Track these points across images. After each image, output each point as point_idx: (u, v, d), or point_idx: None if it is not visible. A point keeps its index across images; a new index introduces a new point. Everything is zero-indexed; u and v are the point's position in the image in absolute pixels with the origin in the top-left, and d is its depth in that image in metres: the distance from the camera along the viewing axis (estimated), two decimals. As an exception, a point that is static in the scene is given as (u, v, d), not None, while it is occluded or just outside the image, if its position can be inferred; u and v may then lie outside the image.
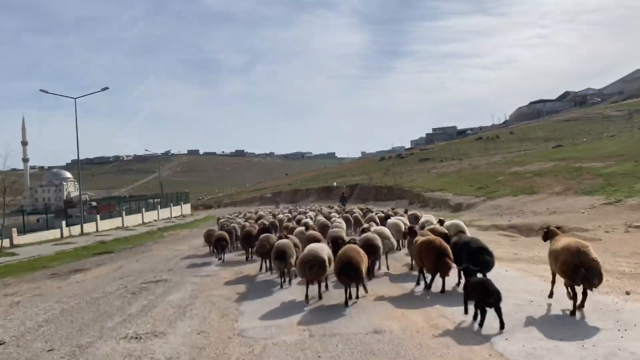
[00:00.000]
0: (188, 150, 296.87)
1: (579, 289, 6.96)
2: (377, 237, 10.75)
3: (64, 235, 32.24)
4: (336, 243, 10.22)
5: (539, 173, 34.96)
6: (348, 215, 22.38)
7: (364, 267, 8.39)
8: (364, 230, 12.56)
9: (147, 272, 14.75)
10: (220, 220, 25.58)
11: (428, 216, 16.74)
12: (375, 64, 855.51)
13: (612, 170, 28.85)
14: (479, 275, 7.61)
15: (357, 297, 8.63)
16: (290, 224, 18.18)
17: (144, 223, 44.07)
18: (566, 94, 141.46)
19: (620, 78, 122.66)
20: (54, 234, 31.81)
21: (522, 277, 9.93)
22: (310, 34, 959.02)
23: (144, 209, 47.13)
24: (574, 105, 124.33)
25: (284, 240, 10.95)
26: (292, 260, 10.27)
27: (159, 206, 52.19)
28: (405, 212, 20.39)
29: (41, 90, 33.22)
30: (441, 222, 13.08)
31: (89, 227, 36.03)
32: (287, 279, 10.74)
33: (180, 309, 9.08)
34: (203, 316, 8.38)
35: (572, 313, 6.91)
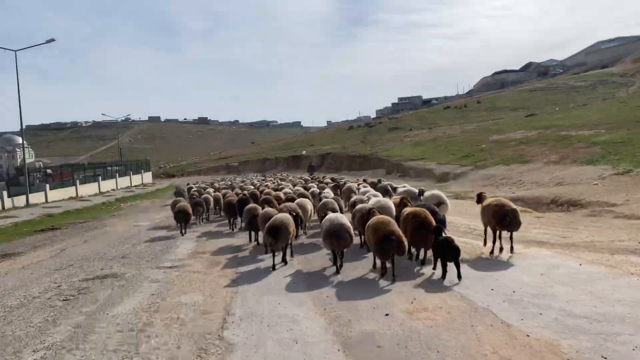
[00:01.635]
0: (149, 117, 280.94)
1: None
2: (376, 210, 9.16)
3: (6, 207, 27.94)
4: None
5: (525, 141, 32.85)
6: (324, 185, 19.83)
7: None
8: (354, 204, 11.18)
9: (94, 259, 11.33)
10: (192, 190, 22.32)
11: (406, 186, 14.98)
12: (341, 32, 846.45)
13: (606, 138, 26.86)
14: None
15: (394, 276, 7.53)
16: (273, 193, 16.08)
17: (100, 193, 39.80)
18: (529, 64, 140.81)
19: (582, 49, 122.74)
20: (-6, 206, 27.47)
21: (612, 276, 7.06)
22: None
23: (100, 177, 42.67)
24: (537, 76, 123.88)
25: (283, 214, 9.36)
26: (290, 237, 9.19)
27: (118, 174, 47.70)
28: (379, 181, 18.41)
29: (-27, 40, 28.10)
30: (421, 193, 12.57)
31: (37, 197, 31.66)
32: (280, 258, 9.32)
33: (131, 336, 5.79)
34: (168, 355, 5.15)
35: (492, 252, 8.86)
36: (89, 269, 10.22)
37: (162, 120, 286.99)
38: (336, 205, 11.56)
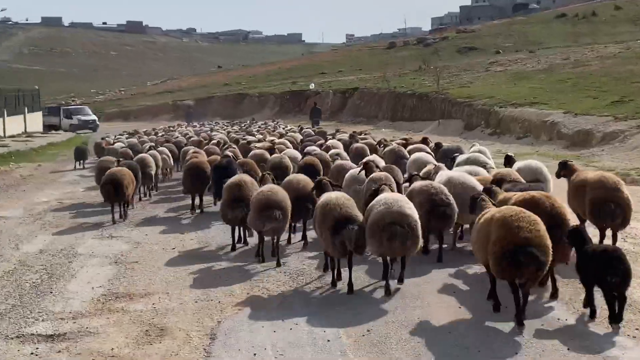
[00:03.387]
0: (42, 18, 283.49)
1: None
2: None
3: None
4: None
5: None
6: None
7: None
8: (411, 180, 11.80)
9: None
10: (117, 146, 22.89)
11: (481, 148, 16.05)
12: None
13: None
14: None
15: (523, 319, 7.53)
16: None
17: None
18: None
19: None
20: None
21: None
22: None
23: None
24: None
25: (339, 192, 9.84)
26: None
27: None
28: (424, 140, 19.28)
29: None
30: (509, 160, 13.15)
31: None
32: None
33: None
34: None
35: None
36: None
37: (66, 24, 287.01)
38: (393, 182, 11.58)
